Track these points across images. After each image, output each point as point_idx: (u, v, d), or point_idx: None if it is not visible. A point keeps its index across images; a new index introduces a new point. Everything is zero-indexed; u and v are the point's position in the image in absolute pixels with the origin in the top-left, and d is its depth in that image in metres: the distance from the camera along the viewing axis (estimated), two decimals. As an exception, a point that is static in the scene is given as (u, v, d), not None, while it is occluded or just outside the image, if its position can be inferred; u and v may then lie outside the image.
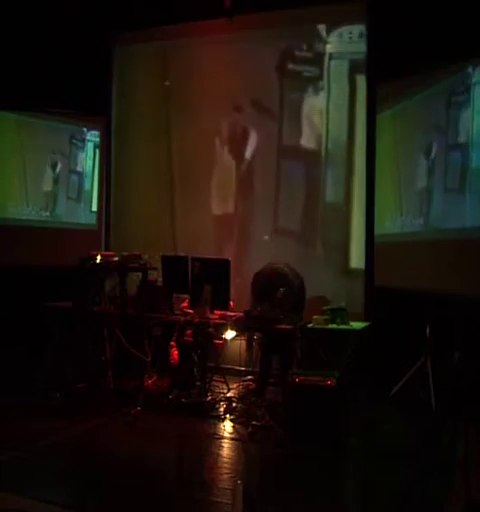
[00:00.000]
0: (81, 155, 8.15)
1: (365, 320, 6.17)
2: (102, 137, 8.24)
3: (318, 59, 7.08)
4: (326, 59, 7.03)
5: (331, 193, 7.11)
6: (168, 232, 7.85)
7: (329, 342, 5.43)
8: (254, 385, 6.13)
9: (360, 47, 6.85)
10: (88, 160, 8.21)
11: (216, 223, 7.63)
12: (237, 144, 7.52)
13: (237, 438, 5.08)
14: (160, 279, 6.33)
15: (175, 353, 6.23)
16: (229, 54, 7.54)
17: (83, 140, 8.16)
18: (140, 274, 6.32)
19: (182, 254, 6.45)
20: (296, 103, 7.19)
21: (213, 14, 7.48)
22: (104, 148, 8.26)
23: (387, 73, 6.35)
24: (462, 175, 5.76)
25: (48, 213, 7.98)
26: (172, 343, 6.34)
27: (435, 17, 5.99)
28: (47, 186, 7.99)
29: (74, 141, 8.09)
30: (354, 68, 6.91)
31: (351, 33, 6.90)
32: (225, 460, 4.68)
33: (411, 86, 6.30)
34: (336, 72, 7.00)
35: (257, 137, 7.42)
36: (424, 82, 6.17)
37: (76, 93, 7.57)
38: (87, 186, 8.19)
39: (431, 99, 6.12)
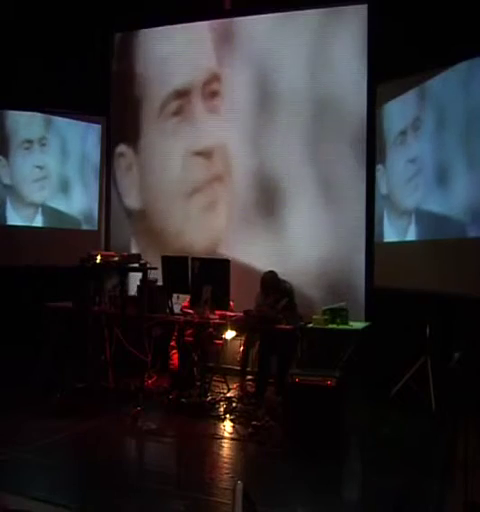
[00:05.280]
0: (80, 155, 8.18)
1: (365, 320, 6.17)
2: (102, 136, 8.25)
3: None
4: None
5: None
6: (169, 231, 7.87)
7: (329, 342, 5.43)
8: (253, 385, 6.14)
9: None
10: (88, 159, 8.24)
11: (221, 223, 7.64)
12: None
13: (237, 438, 5.08)
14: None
15: (175, 357, 6.24)
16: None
17: (83, 139, 8.18)
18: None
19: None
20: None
21: (214, 15, 7.51)
22: (104, 147, 8.27)
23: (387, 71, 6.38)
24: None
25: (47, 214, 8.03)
26: (172, 344, 6.35)
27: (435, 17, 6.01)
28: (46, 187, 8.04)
29: (73, 140, 8.12)
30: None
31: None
32: (225, 460, 4.69)
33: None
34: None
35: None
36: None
37: (75, 92, 7.56)
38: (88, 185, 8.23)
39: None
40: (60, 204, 8.09)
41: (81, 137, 8.18)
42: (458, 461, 3.63)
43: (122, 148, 8.19)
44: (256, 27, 7.38)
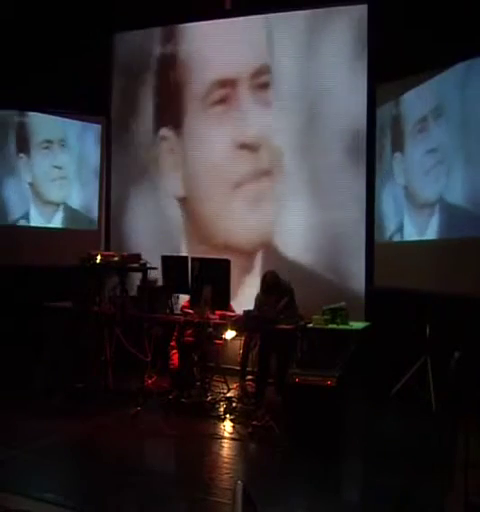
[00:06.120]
0: (82, 155, 8.19)
1: (365, 320, 6.17)
2: (102, 136, 8.25)
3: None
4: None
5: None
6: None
7: (329, 342, 5.43)
8: (253, 385, 6.14)
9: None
10: (89, 160, 8.25)
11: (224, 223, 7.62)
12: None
13: (237, 438, 5.08)
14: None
15: (175, 357, 6.24)
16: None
17: (87, 139, 8.20)
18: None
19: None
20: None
21: (214, 15, 7.52)
22: (104, 147, 8.27)
23: (387, 72, 6.38)
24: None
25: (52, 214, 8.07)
26: (172, 344, 6.35)
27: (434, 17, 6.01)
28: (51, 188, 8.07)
29: (82, 140, 8.16)
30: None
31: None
32: (225, 460, 4.69)
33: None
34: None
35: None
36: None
37: (76, 92, 7.56)
38: (88, 185, 8.23)
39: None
40: (78, 204, 8.15)
41: (87, 137, 8.19)
42: (458, 461, 3.64)
43: (164, 131, 7.97)
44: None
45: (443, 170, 5.98)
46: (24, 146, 7.90)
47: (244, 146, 7.40)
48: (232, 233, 7.44)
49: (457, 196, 5.81)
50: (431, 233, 6.16)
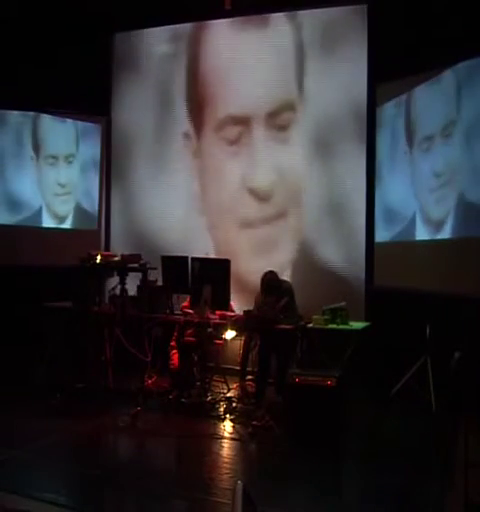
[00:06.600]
0: (81, 155, 8.19)
1: (365, 320, 6.17)
2: (102, 136, 8.24)
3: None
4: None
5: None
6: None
7: (329, 342, 5.43)
8: (253, 385, 6.14)
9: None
10: (88, 160, 8.24)
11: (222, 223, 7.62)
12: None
13: (237, 438, 5.08)
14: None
15: (175, 357, 6.23)
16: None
17: (82, 140, 8.20)
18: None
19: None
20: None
21: (214, 15, 7.53)
22: (104, 147, 8.27)
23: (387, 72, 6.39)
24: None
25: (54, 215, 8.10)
26: (172, 344, 6.35)
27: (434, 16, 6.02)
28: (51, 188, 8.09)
29: (74, 141, 8.14)
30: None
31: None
32: (225, 460, 4.69)
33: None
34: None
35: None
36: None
37: (76, 92, 7.57)
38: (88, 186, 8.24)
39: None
40: (85, 206, 8.19)
41: (88, 138, 8.20)
42: (458, 461, 3.64)
43: (186, 128, 7.82)
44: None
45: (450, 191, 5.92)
46: (35, 149, 7.94)
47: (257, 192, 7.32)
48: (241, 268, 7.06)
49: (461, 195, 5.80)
50: (444, 234, 6.08)
